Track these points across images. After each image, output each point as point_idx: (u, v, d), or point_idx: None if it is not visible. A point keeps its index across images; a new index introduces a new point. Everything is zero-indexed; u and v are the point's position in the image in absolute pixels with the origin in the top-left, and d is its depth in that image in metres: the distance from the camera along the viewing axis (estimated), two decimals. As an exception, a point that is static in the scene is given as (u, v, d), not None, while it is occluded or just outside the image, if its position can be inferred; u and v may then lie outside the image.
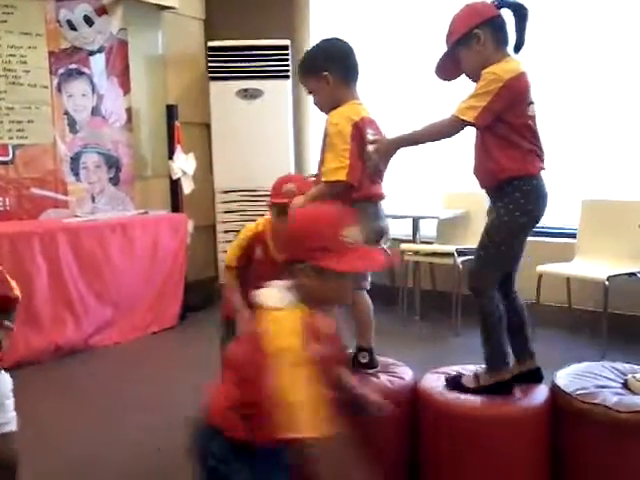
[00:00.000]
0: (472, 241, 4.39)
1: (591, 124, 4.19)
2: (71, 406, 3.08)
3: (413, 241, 4.54)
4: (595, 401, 1.85)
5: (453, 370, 2.15)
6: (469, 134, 2.08)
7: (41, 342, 3.63)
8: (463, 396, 1.96)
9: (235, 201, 5.01)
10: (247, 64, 4.91)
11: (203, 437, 1.40)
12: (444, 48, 2.09)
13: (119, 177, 4.77)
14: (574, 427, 1.91)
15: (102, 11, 4.66)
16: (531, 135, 2.00)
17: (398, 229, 4.84)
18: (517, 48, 2.02)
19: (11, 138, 4.24)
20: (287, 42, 4.95)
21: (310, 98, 2.29)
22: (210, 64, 4.95)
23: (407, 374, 2.13)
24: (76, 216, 4.38)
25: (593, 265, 3.74)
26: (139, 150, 4.93)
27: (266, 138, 4.98)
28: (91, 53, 4.62)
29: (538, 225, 4.41)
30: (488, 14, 1.99)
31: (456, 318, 4.09)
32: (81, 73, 4.59)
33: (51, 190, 4.42)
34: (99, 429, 2.81)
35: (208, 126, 5.06)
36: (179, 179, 4.74)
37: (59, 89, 4.48)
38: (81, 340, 3.89)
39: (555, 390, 1.98)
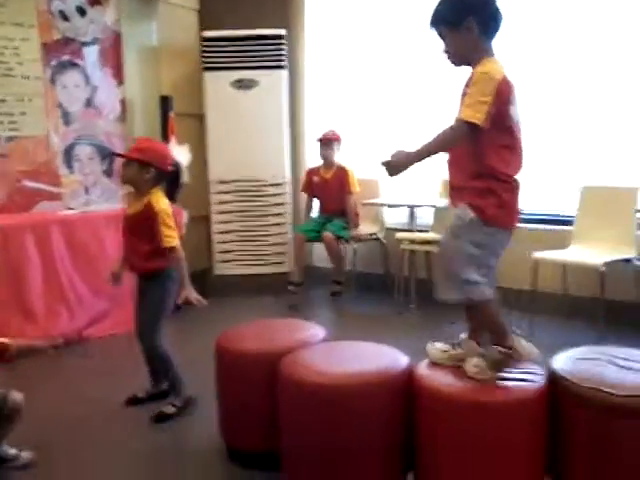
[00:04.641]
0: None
1: (587, 112, 4.18)
2: (64, 396, 3.07)
3: (409, 230, 4.52)
4: (591, 385, 1.83)
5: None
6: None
7: (35, 333, 3.61)
8: (459, 382, 1.94)
9: (230, 192, 4.99)
10: (242, 54, 4.89)
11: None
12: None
13: (113, 169, 4.74)
14: (571, 411, 1.89)
15: (95, 1, 4.62)
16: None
17: (394, 217, 4.85)
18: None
19: (4, 130, 4.22)
20: (282, 32, 4.92)
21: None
22: (204, 54, 4.92)
23: (403, 361, 2.12)
24: (69, 208, 4.36)
25: (589, 252, 3.73)
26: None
27: (261, 129, 4.95)
28: (84, 44, 4.59)
29: (535, 212, 4.46)
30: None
31: (451, 306, 4.06)
32: (74, 64, 4.55)
33: (44, 182, 4.39)
34: (92, 421, 2.81)
35: (203, 117, 5.03)
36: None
37: (52, 81, 4.45)
38: (75, 332, 3.87)
39: (552, 374, 1.96)
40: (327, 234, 4.61)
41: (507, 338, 2.02)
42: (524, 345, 2.05)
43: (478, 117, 1.85)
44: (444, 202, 4.55)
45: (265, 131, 4.96)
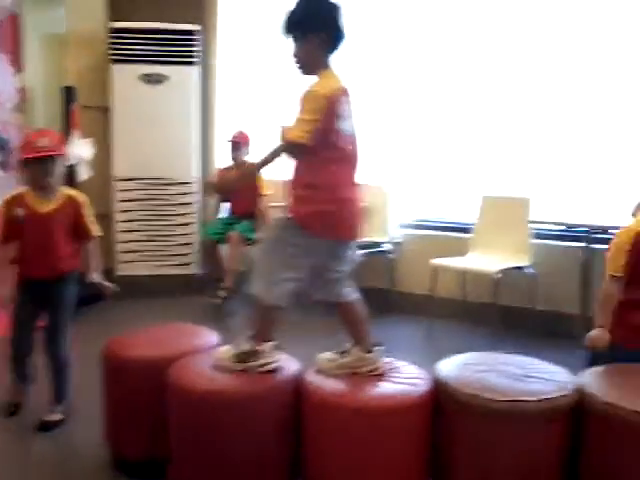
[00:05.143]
0: (377, 234, 4.51)
1: (488, 123, 4.33)
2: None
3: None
4: (472, 391, 1.88)
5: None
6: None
7: None
8: (344, 389, 1.95)
9: (135, 189, 4.83)
10: (152, 48, 4.75)
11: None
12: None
13: (9, 161, 4.47)
14: (453, 416, 1.94)
15: (-9, -20, 4.36)
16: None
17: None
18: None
19: None
20: (194, 27, 4.82)
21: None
22: (112, 46, 4.74)
23: (292, 368, 2.11)
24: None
25: (486, 259, 3.87)
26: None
27: (169, 126, 4.83)
28: (-22, 26, 4.32)
29: (436, 220, 4.58)
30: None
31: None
32: (-34, 48, 4.28)
33: None
34: None
35: (108, 110, 4.85)
36: (75, 165, 4.50)
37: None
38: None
39: (437, 380, 2.00)
40: (234, 234, 4.54)
41: (262, 341, 2.05)
42: (370, 356, 2.09)
43: (302, 136, 1.94)
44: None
45: (173, 128, 4.84)
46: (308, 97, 1.97)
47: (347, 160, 2.05)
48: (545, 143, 4.12)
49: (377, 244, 4.46)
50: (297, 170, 2.07)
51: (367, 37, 4.55)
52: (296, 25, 2.03)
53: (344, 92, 2.04)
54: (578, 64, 3.97)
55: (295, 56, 2.06)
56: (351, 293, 2.16)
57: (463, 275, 4.13)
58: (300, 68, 2.07)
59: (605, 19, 3.87)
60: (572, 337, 3.63)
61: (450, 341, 3.80)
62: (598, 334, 2.17)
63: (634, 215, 3.23)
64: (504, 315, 3.79)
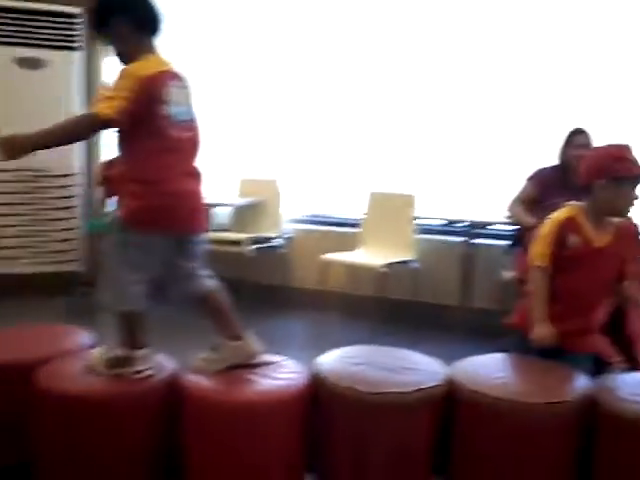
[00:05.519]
0: (268, 229, 4.49)
1: (376, 121, 4.43)
2: None
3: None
4: (347, 384, 1.90)
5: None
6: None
7: None
8: (216, 385, 1.93)
9: (7, 181, 4.52)
10: (27, 30, 4.45)
11: None
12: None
13: None
14: (330, 409, 1.96)
15: None
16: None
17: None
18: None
19: None
20: (75, 10, 4.56)
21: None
22: (-18, 25, 4.41)
23: (169, 367, 2.04)
24: None
25: (373, 254, 3.95)
26: None
27: (47, 114, 4.51)
28: None
29: (327, 215, 4.63)
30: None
31: (248, 308, 4.07)
32: None
33: None
34: None
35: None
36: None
37: None
38: None
39: (314, 374, 2.01)
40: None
41: (132, 348, 1.99)
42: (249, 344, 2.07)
43: (108, 112, 1.80)
44: (243, 201, 4.57)
45: (52, 117, 4.51)
46: (121, 75, 1.86)
47: (181, 150, 1.94)
48: (430, 142, 4.27)
49: (268, 239, 4.44)
50: (125, 163, 1.95)
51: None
52: (97, 16, 1.97)
53: (171, 76, 1.93)
54: (460, 68, 4.14)
55: (112, 47, 1.97)
56: (207, 284, 2.08)
57: (352, 270, 4.19)
58: (118, 57, 1.97)
59: (481, 27, 4.05)
60: (453, 328, 3.79)
61: (339, 335, 3.85)
62: (541, 331, 2.13)
63: (510, 211, 3.43)
64: (390, 308, 3.88)
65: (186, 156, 1.97)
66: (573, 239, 2.13)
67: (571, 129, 3.36)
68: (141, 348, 1.99)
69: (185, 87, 1.98)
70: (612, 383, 2.00)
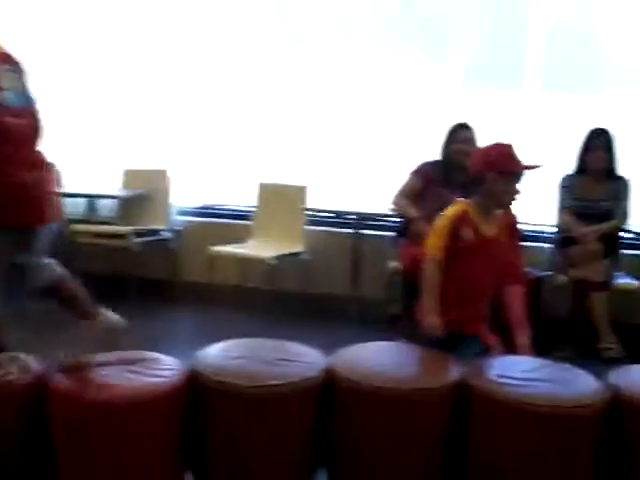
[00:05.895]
0: (157, 222, 4.33)
1: (264, 111, 4.40)
2: None
3: (88, 222, 4.24)
4: (223, 378, 1.87)
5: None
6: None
7: None
8: (84, 383, 1.83)
9: None
10: None
11: None
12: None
13: None
14: (208, 403, 1.91)
15: None
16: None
17: (72, 208, 4.50)
18: None
19: None
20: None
21: None
22: None
23: (35, 368, 1.92)
24: None
25: (264, 246, 3.92)
26: None
27: None
28: None
29: (219, 206, 4.56)
30: None
31: (134, 305, 3.93)
32: None
33: None
34: None
35: None
36: None
37: None
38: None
39: (192, 368, 1.96)
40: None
41: None
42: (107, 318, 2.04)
43: None
44: (127, 192, 4.39)
45: None
46: None
47: (17, 138, 1.81)
48: (319, 135, 4.30)
49: (156, 232, 4.30)
50: None
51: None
52: None
53: (1, 58, 1.81)
54: (348, 65, 4.20)
55: None
56: (56, 274, 1.99)
57: (242, 262, 4.14)
58: None
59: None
60: (342, 317, 3.84)
61: (228, 329, 3.76)
62: (430, 321, 2.20)
63: (395, 204, 3.50)
64: (281, 300, 3.87)
65: (24, 144, 1.83)
66: (466, 232, 2.23)
67: (454, 124, 3.46)
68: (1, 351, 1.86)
69: (18, 70, 1.84)
70: (484, 367, 2.09)
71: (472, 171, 2.29)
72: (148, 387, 1.84)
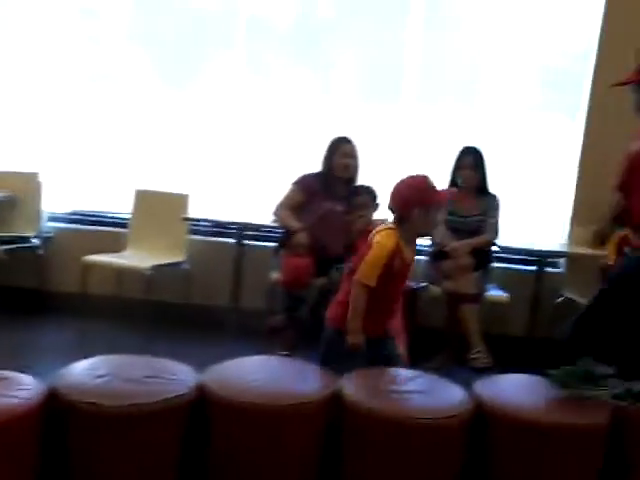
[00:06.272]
0: (24, 228, 4.04)
1: (143, 119, 4.25)
2: None
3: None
4: (87, 398, 1.76)
5: None
6: None
7: None
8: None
9: None
10: None
11: None
12: None
13: None
14: (70, 427, 1.80)
15: None
16: None
17: None
18: None
19: None
20: None
21: None
22: None
23: None
24: None
25: (142, 255, 3.77)
26: None
27: None
28: None
29: (93, 213, 4.35)
30: None
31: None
32: None
33: None
34: None
35: None
36: None
37: None
38: None
39: (50, 388, 1.83)
40: None
41: None
42: None
43: None
44: None
45: None
46: None
47: None
48: (203, 144, 4.22)
49: (24, 238, 4.01)
50: None
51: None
52: None
53: None
54: (239, 77, 4.16)
55: None
56: None
57: (118, 272, 3.95)
58: None
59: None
60: (223, 329, 3.76)
61: (102, 343, 3.59)
62: (355, 339, 2.32)
63: (276, 215, 3.48)
64: (160, 311, 3.72)
65: None
66: (397, 262, 2.34)
67: (335, 137, 3.50)
68: None
69: None
70: (358, 380, 2.11)
71: (399, 208, 2.36)
72: (1, 409, 1.69)
